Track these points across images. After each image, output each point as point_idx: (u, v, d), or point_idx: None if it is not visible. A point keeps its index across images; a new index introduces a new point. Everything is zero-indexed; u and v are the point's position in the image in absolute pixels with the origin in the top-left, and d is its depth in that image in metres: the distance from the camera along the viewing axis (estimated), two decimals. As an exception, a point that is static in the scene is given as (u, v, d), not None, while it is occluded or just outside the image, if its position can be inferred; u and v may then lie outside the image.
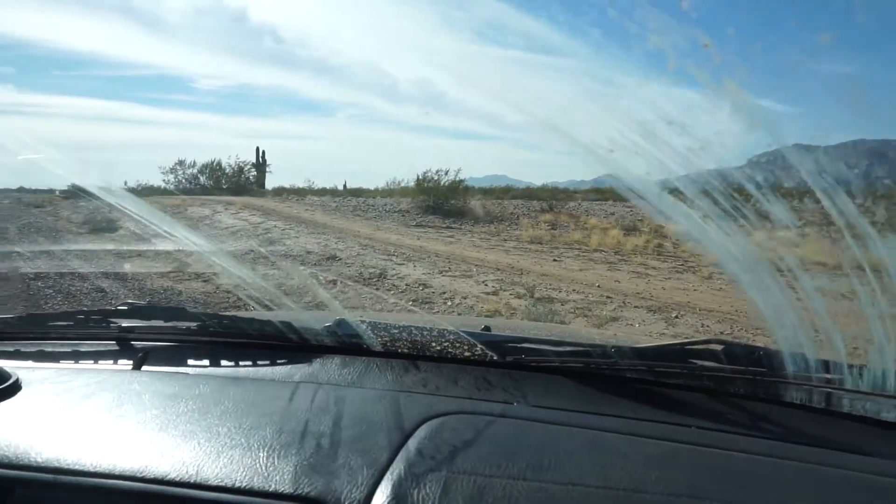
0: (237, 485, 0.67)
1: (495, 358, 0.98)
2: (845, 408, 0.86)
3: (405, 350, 1.05)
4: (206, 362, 1.06)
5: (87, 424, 0.80)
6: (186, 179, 24.60)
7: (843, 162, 0.84)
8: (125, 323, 1.15)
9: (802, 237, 0.90)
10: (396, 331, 1.07)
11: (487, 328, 1.12)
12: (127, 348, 1.12)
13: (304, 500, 0.65)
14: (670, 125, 0.88)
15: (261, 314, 1.21)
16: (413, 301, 6.16)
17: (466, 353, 1.01)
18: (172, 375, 0.99)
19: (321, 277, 7.42)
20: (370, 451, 0.72)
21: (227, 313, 1.20)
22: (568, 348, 0.98)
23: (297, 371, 1.02)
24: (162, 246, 9.67)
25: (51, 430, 0.79)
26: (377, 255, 8.71)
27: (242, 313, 1.23)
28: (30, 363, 1.05)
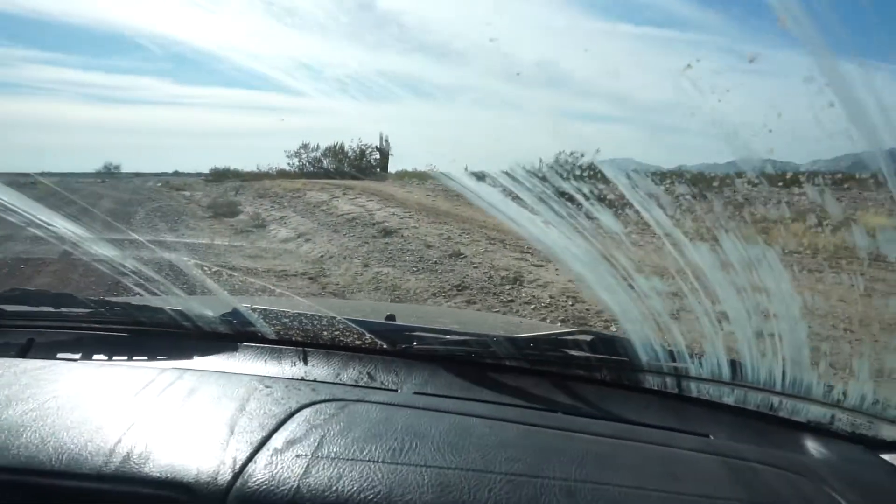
0: (110, 472, 0.72)
1: (384, 346, 1.10)
2: (693, 392, 1.03)
3: (299, 338, 1.15)
4: (95, 350, 1.12)
5: None
6: (310, 163, 27.16)
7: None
8: (10, 308, 1.20)
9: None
10: (288, 319, 1.16)
11: (391, 316, 1.26)
12: (11, 335, 1.16)
13: (171, 485, 0.72)
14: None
15: (152, 300, 1.25)
16: (562, 322, 5.00)
17: (356, 342, 1.12)
18: (57, 363, 1.03)
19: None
20: (243, 437, 0.79)
21: (119, 300, 1.26)
22: (454, 337, 1.10)
23: (191, 359, 1.10)
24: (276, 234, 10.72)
25: None
26: (508, 253, 7.70)
27: (134, 299, 1.28)
28: None
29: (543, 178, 1.13)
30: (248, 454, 0.76)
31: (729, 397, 1.02)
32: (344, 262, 8.08)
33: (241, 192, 18.38)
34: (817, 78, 0.81)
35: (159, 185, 26.20)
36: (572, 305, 5.40)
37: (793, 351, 1.01)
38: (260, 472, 0.73)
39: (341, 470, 0.73)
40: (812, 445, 0.92)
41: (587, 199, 1.14)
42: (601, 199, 1.15)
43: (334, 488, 0.70)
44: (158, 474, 0.73)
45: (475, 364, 1.09)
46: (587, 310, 5.26)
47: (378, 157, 27.07)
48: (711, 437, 0.91)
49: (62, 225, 1.22)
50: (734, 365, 1.01)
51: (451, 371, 1.07)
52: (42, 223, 1.19)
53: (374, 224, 10.52)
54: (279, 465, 0.74)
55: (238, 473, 0.73)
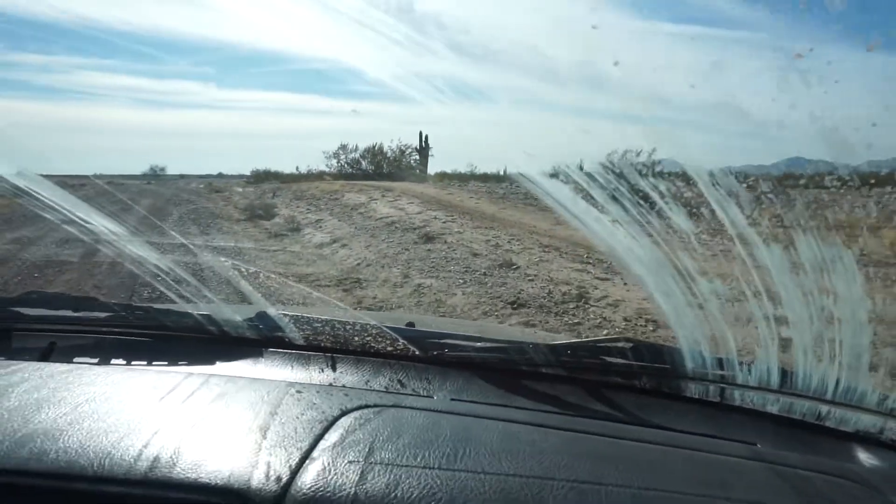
0: (155, 478, 0.72)
1: (416, 353, 1.11)
2: (736, 401, 1.04)
3: (327, 344, 1.16)
4: (114, 354, 1.13)
5: (2, 416, 0.83)
6: (349, 164, 27.70)
7: (733, 176, 1.13)
8: (30, 312, 1.22)
9: (700, 244, 1.18)
10: (319, 325, 1.16)
11: (411, 324, 1.25)
12: (30, 338, 1.18)
13: (222, 492, 0.71)
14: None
15: (177, 305, 1.27)
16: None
17: (388, 348, 1.13)
18: (79, 367, 1.03)
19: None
20: (288, 444, 0.79)
21: (144, 304, 1.27)
22: (487, 344, 1.11)
23: (216, 364, 1.11)
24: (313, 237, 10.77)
25: None
26: (567, 264, 7.18)
27: (159, 304, 1.30)
28: None
29: (620, 175, 1.17)
30: (297, 460, 0.76)
31: (773, 406, 1.03)
32: (382, 270, 7.61)
33: (278, 195, 18.78)
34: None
35: (201, 186, 27.65)
36: (653, 331, 4.75)
37: (852, 357, 1.02)
38: (313, 478, 0.73)
39: (398, 476, 0.73)
40: (862, 455, 0.93)
41: (663, 197, 1.18)
42: (676, 197, 1.18)
43: (394, 495, 0.70)
44: (209, 481, 0.72)
45: (509, 372, 1.09)
46: (672, 338, 4.75)
47: (418, 157, 27.39)
48: (758, 445, 0.92)
49: (99, 222, 1.28)
50: (784, 373, 1.02)
51: (486, 379, 1.07)
52: (78, 220, 1.24)
53: (414, 228, 10.19)
54: (332, 471, 0.74)
55: (291, 480, 0.73)
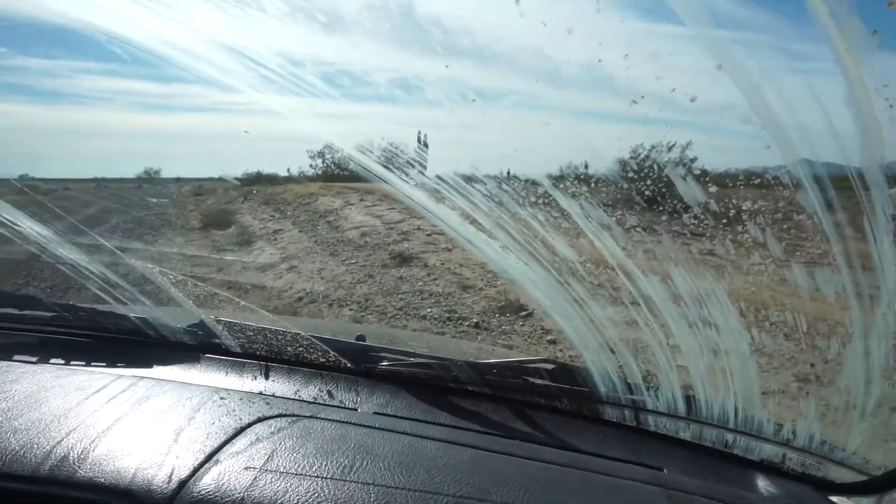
0: (58, 477, 0.83)
1: (348, 365, 1.25)
2: (651, 426, 1.17)
3: (263, 353, 1.30)
4: (53, 353, 1.26)
5: None
6: (335, 164, 27.87)
7: (601, 207, 1.30)
8: None
9: (586, 274, 1.34)
10: (253, 333, 1.31)
11: (362, 337, 1.40)
12: None
13: (111, 491, 0.82)
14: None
15: (118, 308, 1.39)
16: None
17: (321, 359, 1.27)
18: (15, 364, 1.18)
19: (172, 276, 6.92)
20: (196, 447, 0.90)
21: (85, 305, 1.41)
22: (419, 360, 1.24)
23: (153, 367, 1.24)
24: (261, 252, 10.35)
25: None
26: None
27: (102, 306, 1.42)
28: None
29: (500, 203, 1.33)
30: (195, 464, 0.86)
31: (685, 432, 1.16)
32: (329, 310, 6.46)
33: (249, 198, 18.92)
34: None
35: (186, 189, 28.98)
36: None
37: (743, 387, 1.17)
38: (206, 482, 0.82)
39: (288, 484, 0.83)
40: (762, 484, 1.05)
41: (543, 226, 1.34)
42: (555, 227, 1.35)
43: (279, 502, 0.80)
44: (97, 479, 0.82)
45: (437, 388, 1.23)
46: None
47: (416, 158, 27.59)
48: (664, 471, 1.04)
49: (29, 226, 1.42)
50: (689, 400, 1.15)
51: (413, 393, 1.20)
52: (7, 223, 1.39)
53: (388, 244, 9.41)
54: (226, 476, 0.84)
55: (184, 482, 0.82)
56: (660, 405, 1.15)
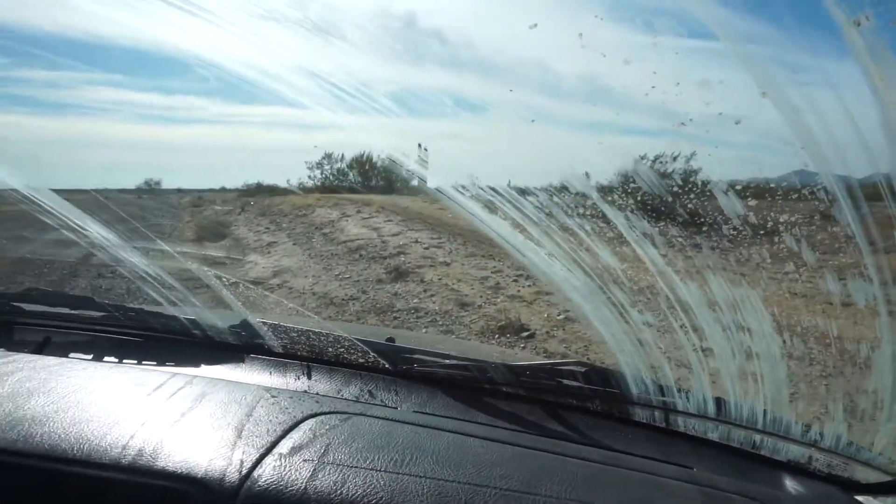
0: (126, 464, 0.91)
1: (387, 366, 1.32)
2: (680, 427, 1.22)
3: (304, 353, 1.37)
4: (107, 352, 1.35)
5: None
6: (333, 175, 27.85)
7: (645, 217, 1.42)
8: (29, 307, 1.45)
9: (627, 280, 1.45)
10: (296, 334, 1.38)
11: (391, 339, 1.46)
12: (28, 332, 1.42)
13: (184, 479, 0.90)
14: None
15: (166, 308, 1.46)
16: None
17: (360, 360, 1.34)
18: (72, 361, 1.26)
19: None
20: (256, 441, 0.98)
21: (134, 306, 1.50)
22: (453, 361, 1.30)
23: (200, 366, 1.32)
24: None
25: None
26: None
27: (150, 306, 1.50)
28: None
29: (549, 214, 1.44)
30: (257, 456, 0.93)
31: (714, 433, 1.21)
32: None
33: (246, 210, 18.91)
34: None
35: (185, 200, 29.42)
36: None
37: (773, 389, 1.25)
38: (269, 473, 0.90)
39: (346, 476, 0.90)
40: (790, 483, 1.10)
41: (588, 235, 1.45)
42: (600, 235, 1.46)
43: (339, 492, 0.87)
44: (172, 468, 0.90)
45: (472, 388, 1.29)
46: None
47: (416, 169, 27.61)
48: (694, 470, 1.09)
49: (95, 230, 1.53)
50: (719, 402, 1.20)
51: (449, 394, 1.27)
52: (75, 225, 1.49)
53: (384, 258, 9.27)
54: (287, 467, 0.91)
55: (248, 473, 0.90)
56: (690, 407, 1.21)
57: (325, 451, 0.97)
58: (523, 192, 1.47)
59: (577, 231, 1.47)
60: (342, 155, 28.23)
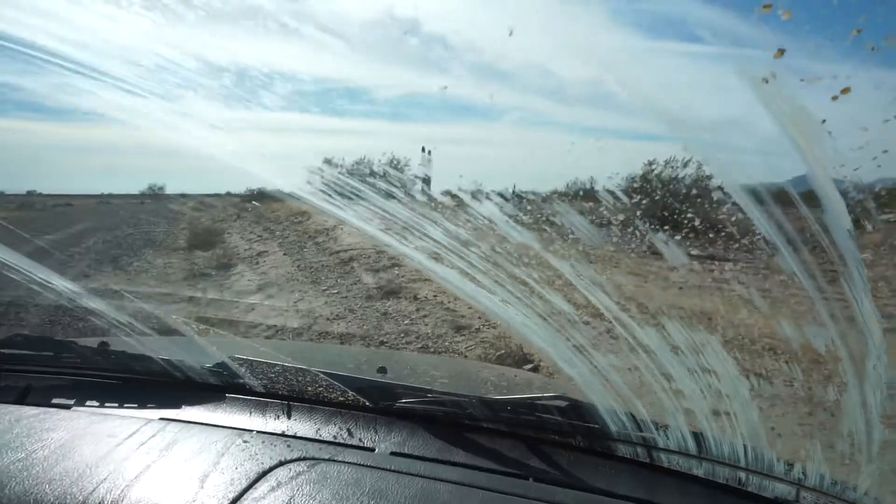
0: None
1: (366, 404, 1.33)
2: (664, 463, 1.20)
3: (284, 392, 1.39)
4: (89, 396, 1.38)
5: None
6: (333, 181, 27.97)
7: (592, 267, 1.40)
8: (11, 353, 1.49)
9: (583, 324, 1.43)
10: (274, 374, 1.41)
11: (383, 369, 1.55)
12: (12, 378, 1.45)
13: None
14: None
15: (147, 349, 1.50)
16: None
17: (340, 398, 1.35)
18: (51, 411, 1.29)
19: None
20: (216, 493, 0.98)
21: (116, 348, 1.51)
22: (434, 397, 1.31)
23: (181, 408, 1.34)
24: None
25: None
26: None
27: (131, 347, 1.53)
28: None
29: (496, 264, 1.43)
30: None
31: (698, 469, 1.19)
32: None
33: (242, 216, 18.86)
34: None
35: (189, 206, 29.75)
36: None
37: (749, 429, 1.23)
38: None
39: None
40: None
41: (538, 283, 1.45)
42: (549, 282, 1.45)
43: None
44: None
45: (453, 424, 1.29)
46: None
47: (420, 174, 27.70)
48: None
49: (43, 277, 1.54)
50: (698, 438, 1.19)
51: (429, 431, 1.26)
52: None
53: (376, 270, 9.01)
54: None
55: None
56: (670, 443, 1.20)
57: (288, 501, 0.97)
58: (466, 243, 1.45)
59: (525, 279, 1.46)
60: (343, 160, 28.35)
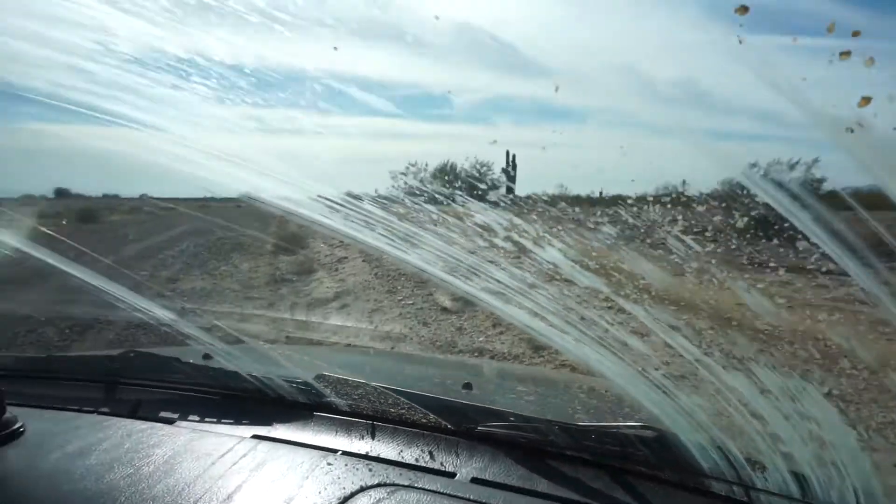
0: None
1: (448, 426, 1.34)
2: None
3: (369, 412, 1.43)
4: (191, 411, 1.49)
5: (82, 473, 1.16)
6: (415, 185, 28.36)
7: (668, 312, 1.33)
8: (125, 368, 1.64)
9: (664, 366, 1.36)
10: (358, 396, 1.46)
11: (469, 385, 1.60)
12: (125, 391, 1.60)
13: None
14: None
15: (242, 369, 1.59)
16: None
17: (422, 420, 1.37)
18: (157, 426, 1.39)
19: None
20: None
21: (216, 367, 1.63)
22: (515, 422, 1.29)
23: (268, 424, 1.42)
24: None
25: (50, 477, 1.15)
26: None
27: (228, 367, 1.63)
28: (33, 406, 1.47)
29: (567, 307, 1.38)
30: None
31: None
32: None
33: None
34: None
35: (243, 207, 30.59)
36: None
37: (860, 479, 1.13)
38: None
39: None
40: None
41: (611, 325, 1.39)
42: (623, 325, 1.39)
43: None
44: None
45: (535, 451, 1.27)
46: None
47: (503, 178, 27.89)
48: None
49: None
50: (801, 482, 1.12)
51: (511, 456, 1.25)
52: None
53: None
54: None
55: None
56: (769, 485, 1.13)
57: None
58: (532, 286, 1.41)
59: (597, 321, 1.41)
60: (426, 164, 28.71)
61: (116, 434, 1.32)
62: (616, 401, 1.57)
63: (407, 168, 28.17)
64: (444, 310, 7.52)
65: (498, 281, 1.46)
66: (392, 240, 1.68)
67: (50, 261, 1.68)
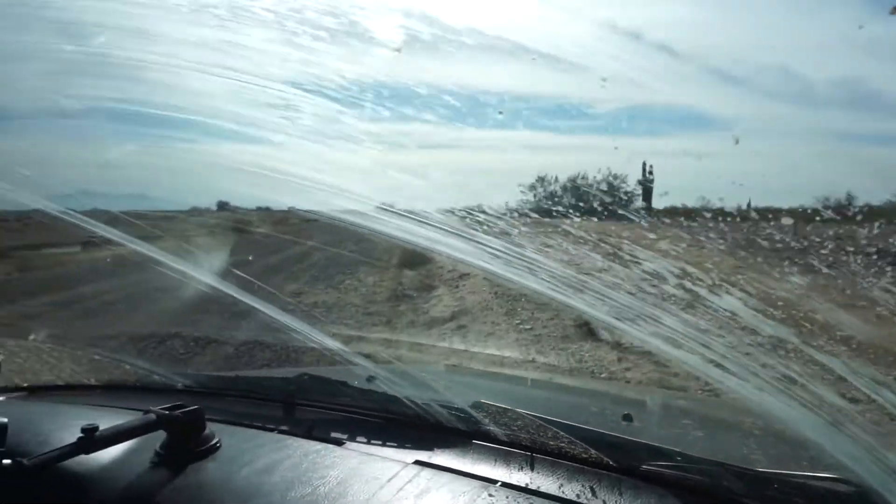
0: None
1: (610, 462, 1.29)
2: None
3: (527, 443, 1.40)
4: (358, 433, 1.53)
5: (269, 490, 1.23)
6: (547, 198, 28.24)
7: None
8: (300, 390, 1.74)
9: (868, 421, 1.25)
10: (517, 427, 1.44)
11: (629, 416, 1.55)
12: (301, 412, 1.69)
13: None
14: None
15: (402, 394, 1.63)
16: None
17: (583, 455, 1.33)
18: (329, 447, 1.44)
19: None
20: None
21: (377, 390, 1.69)
22: (684, 463, 1.23)
23: (429, 450, 1.44)
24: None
25: (241, 492, 1.22)
26: None
27: (390, 391, 1.69)
28: (224, 422, 1.56)
29: (747, 354, 1.31)
30: None
31: None
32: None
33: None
34: None
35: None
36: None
37: None
38: None
39: None
40: None
41: (801, 375, 1.30)
42: (813, 376, 1.29)
43: None
44: None
45: (705, 495, 1.19)
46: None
47: (639, 191, 27.51)
48: None
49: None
50: None
51: (678, 498, 1.18)
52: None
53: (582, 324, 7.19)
54: None
55: None
56: None
57: None
58: (706, 331, 1.35)
59: (782, 370, 1.33)
60: (555, 177, 28.63)
61: (295, 453, 1.37)
62: (799, 444, 1.45)
63: (536, 181, 28.00)
64: (565, 336, 7.00)
65: (669, 327, 1.40)
66: (556, 285, 1.67)
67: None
